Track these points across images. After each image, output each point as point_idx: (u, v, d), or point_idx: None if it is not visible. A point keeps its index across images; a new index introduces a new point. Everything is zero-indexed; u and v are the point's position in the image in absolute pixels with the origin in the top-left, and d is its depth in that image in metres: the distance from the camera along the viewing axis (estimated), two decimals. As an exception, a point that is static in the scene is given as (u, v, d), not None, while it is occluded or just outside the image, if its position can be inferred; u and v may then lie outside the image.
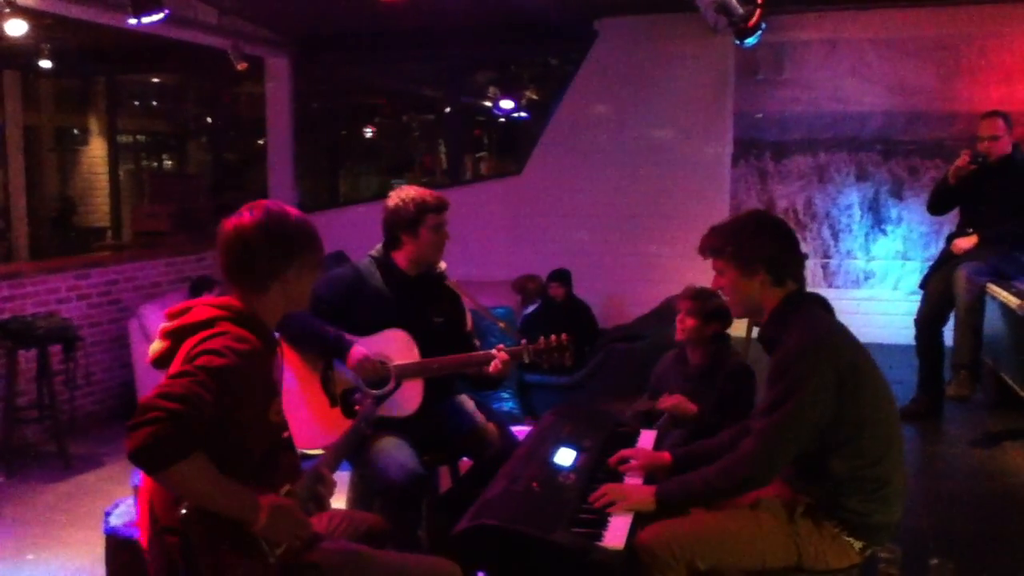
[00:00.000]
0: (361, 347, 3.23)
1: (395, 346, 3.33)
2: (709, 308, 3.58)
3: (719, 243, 2.65)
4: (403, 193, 3.43)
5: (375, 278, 3.42)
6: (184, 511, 1.97)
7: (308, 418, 3.26)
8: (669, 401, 3.56)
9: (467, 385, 3.58)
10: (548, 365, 3.45)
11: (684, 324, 3.62)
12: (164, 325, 2.20)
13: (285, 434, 2.27)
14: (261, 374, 2.14)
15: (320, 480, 2.26)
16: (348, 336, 3.26)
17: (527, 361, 3.44)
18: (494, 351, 3.37)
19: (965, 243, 5.18)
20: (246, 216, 2.21)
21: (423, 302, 3.45)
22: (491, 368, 3.35)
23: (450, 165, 9.76)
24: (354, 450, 3.18)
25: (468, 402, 3.56)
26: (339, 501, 3.17)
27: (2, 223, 10.66)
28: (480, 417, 3.48)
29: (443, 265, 3.53)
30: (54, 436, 5.48)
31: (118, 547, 3.02)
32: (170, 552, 2.05)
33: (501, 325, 3.67)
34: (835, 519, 2.49)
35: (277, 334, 2.30)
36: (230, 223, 2.22)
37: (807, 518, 2.51)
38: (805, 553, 2.49)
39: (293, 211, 2.28)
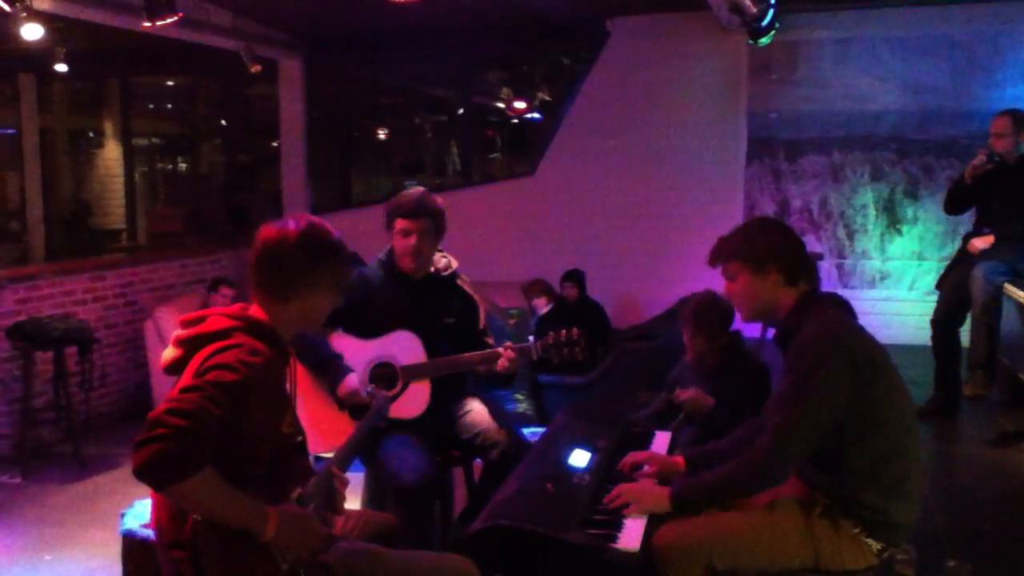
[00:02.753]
0: (354, 379, 3.22)
1: (402, 347, 3.33)
2: (713, 323, 3.55)
3: (728, 248, 2.65)
4: (397, 195, 3.45)
5: (381, 282, 3.42)
6: (194, 522, 1.96)
7: (317, 422, 3.26)
8: (687, 394, 3.55)
9: (479, 383, 3.58)
10: (558, 360, 3.39)
11: (694, 345, 3.60)
12: (178, 333, 2.18)
13: (299, 438, 2.27)
14: (274, 387, 2.12)
15: (332, 479, 2.24)
16: (342, 364, 3.25)
17: (536, 357, 3.41)
18: (501, 348, 3.36)
19: (981, 243, 5.14)
20: (290, 225, 2.20)
21: (432, 303, 3.44)
22: (499, 366, 3.34)
23: (462, 166, 9.77)
24: (366, 448, 3.18)
25: (478, 403, 3.54)
26: (353, 502, 3.17)
27: (18, 225, 10.73)
28: (488, 418, 3.46)
29: (454, 264, 3.53)
30: (70, 437, 5.52)
31: (134, 548, 3.03)
32: (178, 565, 2.04)
33: (511, 322, 3.65)
34: (854, 518, 2.48)
35: None
36: (272, 228, 2.21)
37: (824, 518, 2.49)
38: (822, 553, 2.48)
39: (335, 232, 2.27)
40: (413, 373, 3.32)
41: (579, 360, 3.46)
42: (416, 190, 3.48)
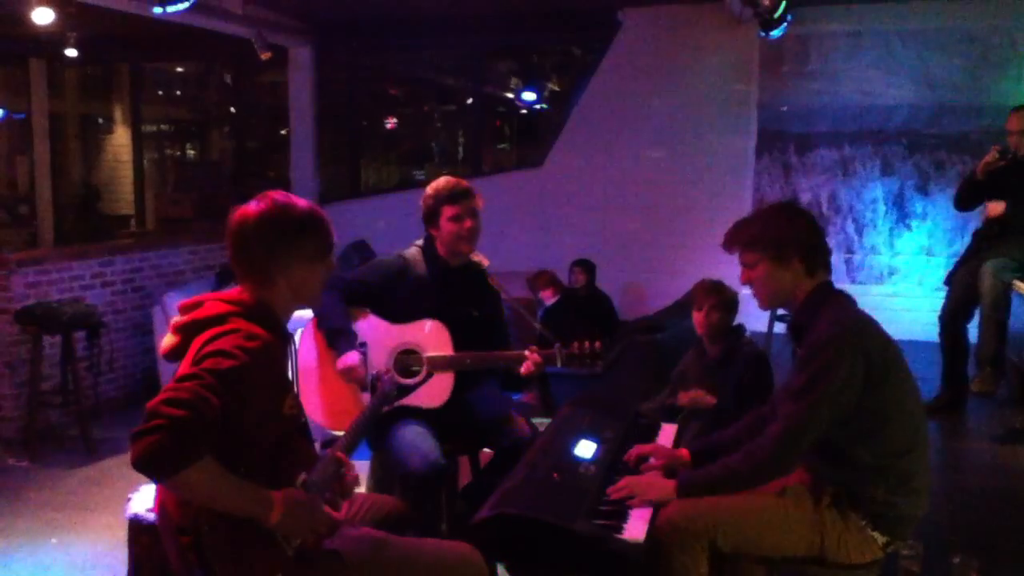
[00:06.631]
0: (355, 356, 3.22)
1: (430, 336, 3.33)
2: (729, 298, 3.60)
3: (750, 235, 2.61)
4: (433, 184, 3.45)
5: (420, 267, 3.43)
6: (199, 508, 1.97)
7: (340, 400, 3.30)
8: (688, 396, 3.57)
9: (496, 383, 3.57)
10: (576, 369, 3.36)
11: (710, 319, 3.61)
12: (175, 320, 2.17)
13: (302, 420, 2.27)
14: (273, 370, 2.11)
15: (339, 466, 2.24)
16: (350, 338, 3.26)
17: (559, 366, 3.33)
18: (526, 352, 3.30)
19: (996, 207, 5.10)
20: (251, 206, 2.19)
21: (463, 294, 3.44)
22: (522, 369, 3.29)
23: (471, 156, 9.76)
24: (371, 432, 3.19)
25: (492, 390, 3.54)
26: (359, 487, 3.17)
27: (27, 210, 10.77)
28: (505, 405, 3.46)
29: (485, 262, 3.51)
30: (78, 421, 5.53)
31: (140, 532, 3.03)
32: (184, 551, 2.05)
33: (538, 327, 3.60)
34: (862, 510, 2.48)
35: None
36: (236, 213, 2.20)
37: (833, 508, 2.49)
38: (827, 544, 2.48)
39: (301, 202, 2.23)
40: (438, 364, 3.32)
41: (598, 372, 3.44)
42: (443, 179, 3.49)
